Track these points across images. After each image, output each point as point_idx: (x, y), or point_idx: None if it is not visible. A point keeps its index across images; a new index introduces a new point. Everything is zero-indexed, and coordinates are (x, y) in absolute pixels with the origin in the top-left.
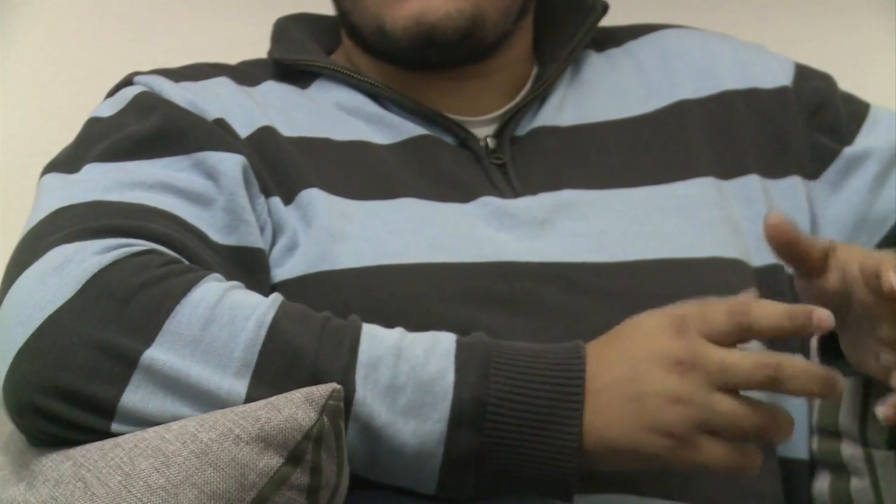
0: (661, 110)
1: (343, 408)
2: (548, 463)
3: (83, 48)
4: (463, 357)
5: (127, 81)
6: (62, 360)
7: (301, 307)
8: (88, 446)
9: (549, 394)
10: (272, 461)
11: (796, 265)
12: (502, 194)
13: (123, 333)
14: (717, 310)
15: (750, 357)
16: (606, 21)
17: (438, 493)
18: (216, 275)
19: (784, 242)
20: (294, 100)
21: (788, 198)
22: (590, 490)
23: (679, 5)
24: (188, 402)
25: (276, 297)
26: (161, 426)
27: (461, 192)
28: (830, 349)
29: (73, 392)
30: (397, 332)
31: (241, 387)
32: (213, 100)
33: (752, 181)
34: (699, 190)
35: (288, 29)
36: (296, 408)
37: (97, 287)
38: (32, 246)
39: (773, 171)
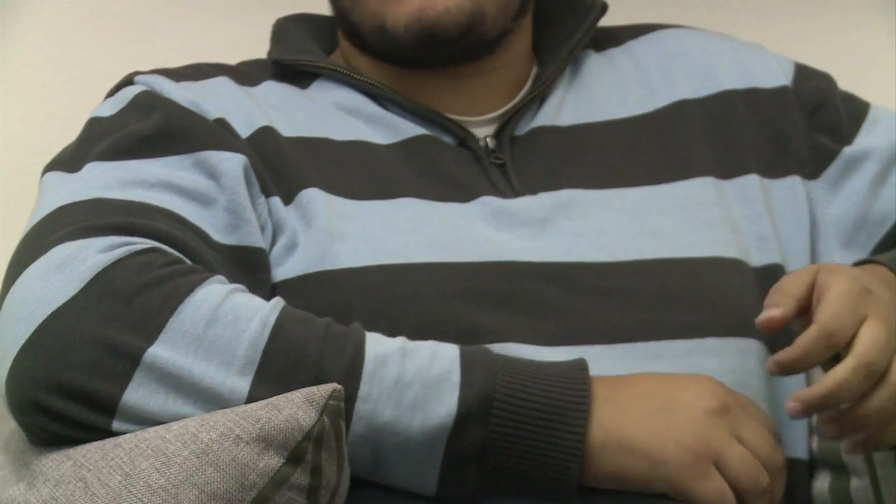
0: (661, 110)
1: (344, 408)
2: (550, 462)
3: (83, 48)
4: (468, 360)
5: (127, 81)
6: (65, 357)
7: (302, 312)
8: (89, 446)
9: (555, 395)
10: (272, 461)
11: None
12: (502, 194)
13: (126, 331)
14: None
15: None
16: (606, 21)
17: (439, 493)
18: (219, 277)
19: (780, 324)
20: (294, 100)
21: (788, 198)
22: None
23: (679, 5)
24: (190, 400)
25: (278, 301)
26: (161, 426)
27: (461, 192)
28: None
29: (76, 389)
30: (400, 339)
31: (243, 385)
32: (213, 100)
33: (752, 181)
34: (699, 190)
35: (287, 29)
36: (296, 408)
37: (101, 285)
38: (35, 243)
39: (772, 170)
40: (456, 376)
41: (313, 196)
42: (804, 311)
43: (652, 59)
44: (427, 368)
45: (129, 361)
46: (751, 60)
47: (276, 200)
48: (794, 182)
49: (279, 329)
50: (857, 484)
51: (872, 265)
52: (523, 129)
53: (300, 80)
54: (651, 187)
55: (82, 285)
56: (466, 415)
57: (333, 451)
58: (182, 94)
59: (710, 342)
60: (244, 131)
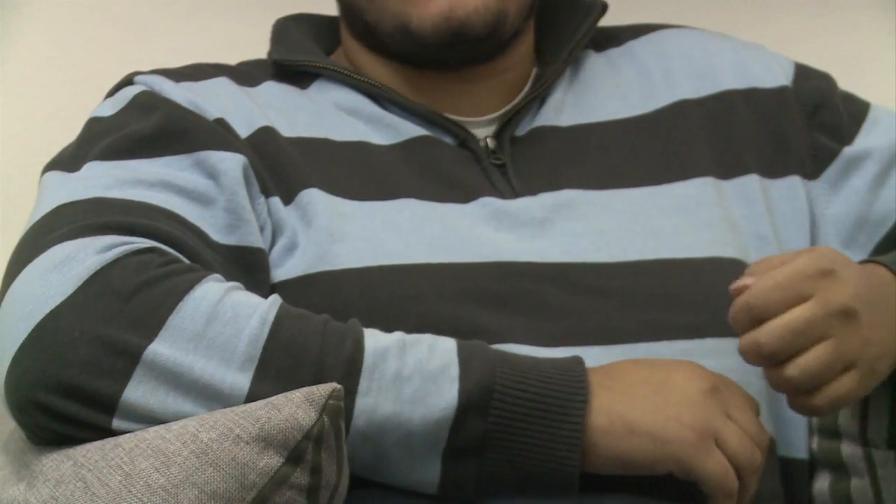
0: (661, 110)
1: (344, 406)
2: (551, 453)
3: (83, 48)
4: (465, 354)
5: (127, 81)
6: (64, 356)
7: (300, 309)
8: (89, 446)
9: (554, 385)
10: (272, 461)
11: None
12: (502, 195)
13: (126, 329)
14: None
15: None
16: (606, 21)
17: (440, 490)
18: (216, 275)
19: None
20: (294, 100)
21: (788, 198)
22: (589, 491)
23: (679, 5)
24: (191, 397)
25: (276, 298)
26: (161, 426)
27: (461, 193)
28: None
29: (75, 387)
30: (398, 334)
31: (244, 381)
32: (213, 100)
33: (752, 181)
34: (698, 190)
35: (287, 29)
36: (296, 407)
37: (99, 284)
38: (34, 243)
39: (772, 170)
40: (455, 369)
41: (313, 196)
42: None
43: (652, 59)
44: (426, 362)
45: (128, 359)
46: (751, 60)
47: (276, 201)
48: (794, 182)
49: (279, 325)
50: (857, 484)
51: (872, 265)
52: (524, 129)
53: (300, 80)
54: (651, 188)
55: (80, 284)
56: (467, 406)
57: (333, 450)
58: (182, 94)
59: (710, 342)
60: (244, 131)
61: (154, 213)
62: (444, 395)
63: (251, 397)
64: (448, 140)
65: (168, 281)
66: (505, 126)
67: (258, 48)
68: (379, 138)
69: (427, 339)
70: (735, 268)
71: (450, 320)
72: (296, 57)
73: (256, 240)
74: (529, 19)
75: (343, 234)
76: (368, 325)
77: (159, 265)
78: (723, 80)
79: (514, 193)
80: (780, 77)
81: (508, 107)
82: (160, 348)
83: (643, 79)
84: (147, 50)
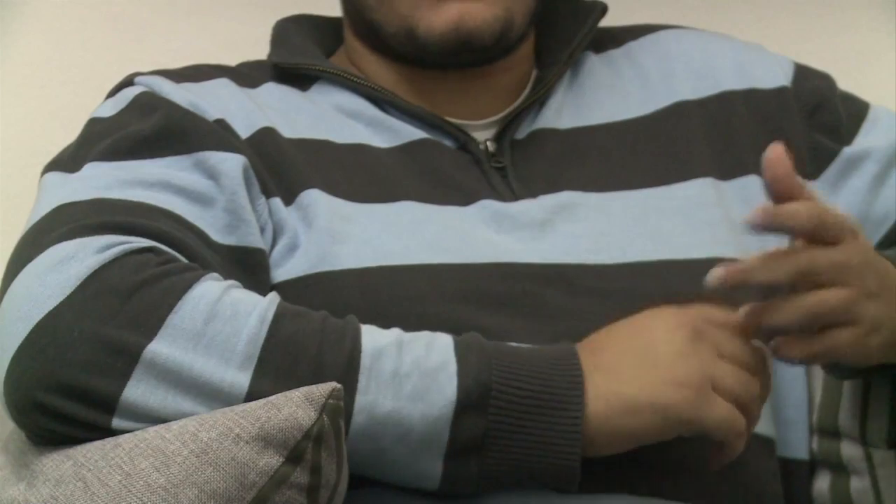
0: (660, 111)
1: (343, 405)
2: (552, 447)
3: (83, 48)
4: (462, 350)
5: (128, 82)
6: (63, 356)
7: (299, 307)
8: (89, 446)
9: (550, 379)
10: (272, 460)
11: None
12: (502, 197)
13: (125, 328)
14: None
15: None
16: (606, 21)
17: (441, 488)
18: (214, 274)
19: (779, 174)
20: (294, 102)
21: None
22: (590, 490)
23: (679, 5)
24: (190, 396)
25: (275, 296)
26: (161, 426)
27: (461, 196)
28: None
29: (75, 387)
30: (395, 331)
31: (244, 380)
32: (213, 101)
33: (752, 181)
34: (698, 191)
35: (287, 31)
36: (296, 407)
37: (97, 283)
38: (33, 243)
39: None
40: (452, 366)
41: (314, 197)
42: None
43: (651, 60)
44: (424, 359)
45: (128, 358)
46: (750, 61)
47: (277, 201)
48: None
49: (277, 324)
50: (857, 484)
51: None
52: (523, 132)
53: (300, 82)
54: (651, 189)
55: (79, 283)
56: (466, 404)
57: (333, 449)
58: (182, 94)
59: None
60: (244, 132)
61: (154, 213)
62: (444, 392)
63: (251, 396)
64: (448, 143)
65: (167, 280)
66: (505, 129)
67: (258, 48)
68: (379, 141)
69: (424, 336)
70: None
71: (450, 321)
72: (296, 60)
73: (256, 240)
74: (533, 23)
75: (344, 235)
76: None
77: (158, 264)
78: (722, 81)
79: (514, 196)
80: (779, 77)
81: (508, 110)
82: (159, 347)
83: (642, 80)
84: (147, 50)
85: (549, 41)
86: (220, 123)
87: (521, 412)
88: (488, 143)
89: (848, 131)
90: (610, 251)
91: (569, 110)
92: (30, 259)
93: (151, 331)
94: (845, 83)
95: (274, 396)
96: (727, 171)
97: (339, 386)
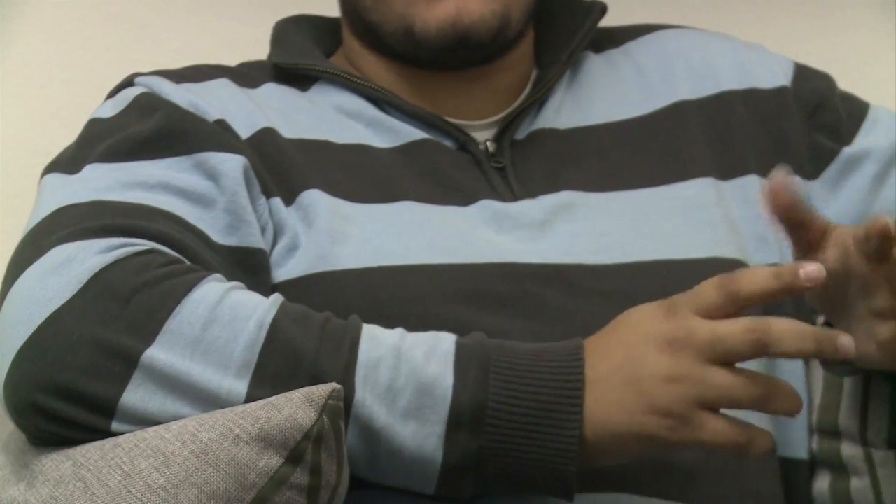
0: (660, 111)
1: (343, 408)
2: (548, 465)
3: (83, 48)
4: (462, 360)
5: (128, 82)
6: (63, 359)
7: (302, 308)
8: (88, 446)
9: (548, 397)
10: (272, 461)
11: (794, 233)
12: (501, 198)
13: (124, 333)
14: (706, 286)
15: (738, 323)
16: (606, 21)
17: (437, 495)
18: (217, 275)
19: (785, 205)
20: (294, 102)
21: None
22: (590, 489)
23: (679, 5)
24: (188, 401)
25: (277, 298)
26: (161, 426)
27: (461, 196)
28: None
29: (74, 391)
30: (397, 333)
31: (241, 387)
32: (213, 101)
33: (751, 181)
34: (698, 190)
35: (287, 32)
36: (296, 408)
37: (98, 286)
38: (33, 245)
39: (772, 170)
40: (449, 379)
41: (314, 197)
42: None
43: (651, 59)
44: (421, 370)
45: (127, 363)
46: (750, 61)
47: (277, 201)
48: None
49: (275, 329)
50: (857, 484)
51: None
52: (523, 132)
53: (300, 82)
54: (651, 189)
55: (80, 286)
56: (458, 424)
57: (333, 450)
58: (182, 95)
59: None
60: (245, 132)
61: (154, 214)
62: (437, 411)
63: (248, 402)
64: (448, 143)
65: (167, 282)
66: (505, 129)
67: (258, 48)
68: (379, 141)
69: (426, 340)
70: (735, 268)
71: (450, 321)
72: (295, 60)
73: (257, 240)
74: (530, 21)
75: (344, 235)
76: None
77: (159, 266)
78: (722, 81)
79: (514, 196)
80: (779, 77)
81: (508, 110)
82: (157, 353)
83: (642, 80)
84: (147, 50)
85: (548, 41)
86: (221, 124)
87: (517, 429)
88: (488, 144)
89: (848, 131)
90: (610, 251)
91: (568, 110)
92: (30, 261)
93: (150, 336)
94: (845, 83)
95: (274, 397)
96: (727, 170)
97: (338, 386)
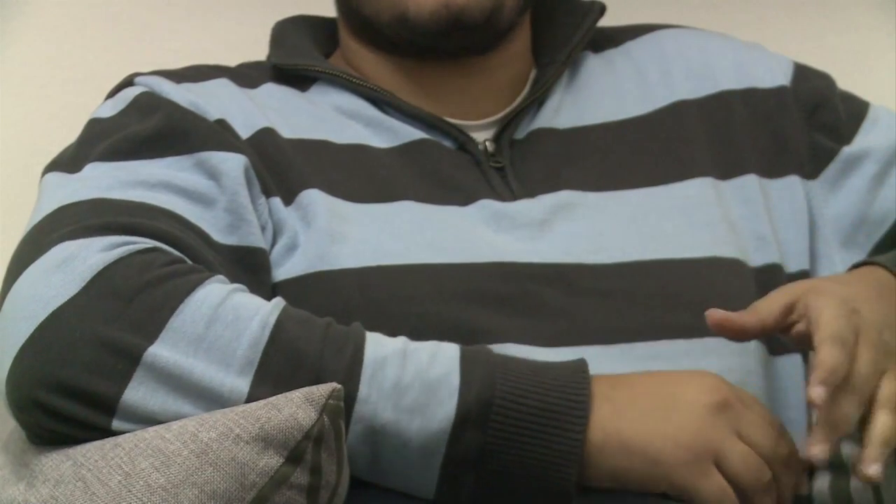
0: (659, 111)
1: (344, 407)
2: (549, 468)
3: (83, 48)
4: (467, 361)
5: (128, 82)
6: (65, 356)
7: (304, 312)
8: (88, 446)
9: (554, 400)
10: (272, 461)
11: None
12: (501, 197)
13: (127, 330)
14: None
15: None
16: (605, 21)
17: (437, 498)
18: (220, 276)
19: (734, 332)
20: (293, 102)
21: (787, 197)
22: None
23: (679, 5)
24: (190, 399)
25: (279, 301)
26: (161, 426)
27: (460, 196)
28: None
29: (76, 388)
30: (401, 339)
31: (243, 385)
32: (213, 101)
33: (751, 181)
34: (697, 190)
35: (286, 32)
36: (296, 407)
37: (101, 284)
38: (35, 243)
39: (771, 170)
40: (455, 378)
41: (314, 197)
42: (781, 329)
43: (650, 59)
44: (426, 370)
45: (129, 361)
46: (750, 60)
47: (277, 201)
48: (793, 182)
49: (279, 329)
50: (858, 484)
51: (870, 267)
52: (522, 132)
53: (300, 82)
54: (650, 188)
55: (83, 284)
56: (465, 420)
57: (333, 450)
58: (182, 94)
59: (710, 342)
60: (245, 132)
61: (155, 213)
62: (443, 407)
63: (250, 401)
64: (447, 143)
65: (171, 282)
66: (504, 129)
67: (258, 48)
68: (378, 141)
69: (430, 346)
70: (734, 268)
71: (449, 320)
72: (294, 61)
73: (258, 240)
74: (525, 13)
75: (343, 235)
76: (368, 325)
77: (162, 265)
78: (721, 80)
79: (513, 196)
80: (779, 77)
81: (507, 110)
82: (160, 350)
83: (641, 79)
84: (147, 50)
85: (547, 41)
86: (221, 123)
87: (522, 429)
88: (487, 143)
89: (848, 131)
90: (609, 251)
91: (567, 110)
92: (32, 259)
93: (153, 333)
94: (845, 83)
95: (274, 397)
96: (726, 170)
97: (339, 386)
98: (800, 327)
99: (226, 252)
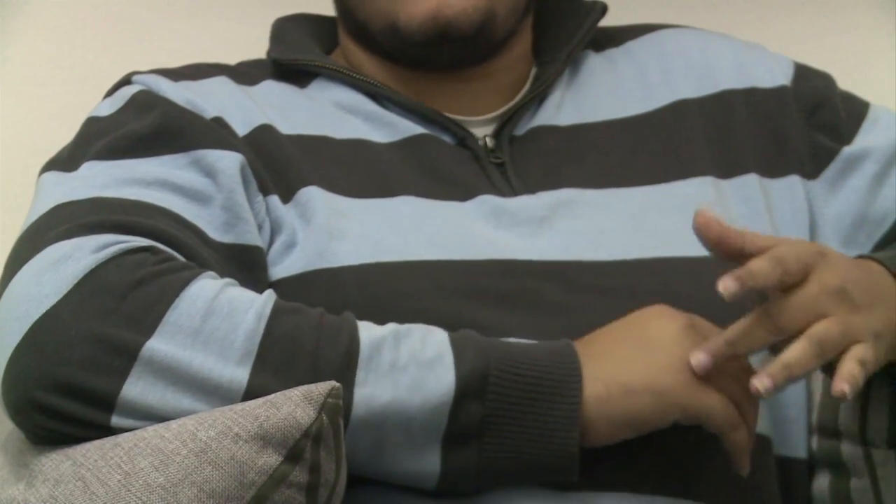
0: (660, 110)
1: (342, 401)
2: (551, 434)
3: (83, 48)
4: (458, 342)
5: (125, 81)
6: (61, 355)
7: (295, 303)
8: (88, 445)
9: (547, 368)
10: (271, 459)
11: (733, 259)
12: (501, 193)
13: (122, 326)
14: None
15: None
16: (606, 21)
17: (440, 482)
18: (211, 272)
19: (713, 239)
20: (293, 99)
21: (787, 197)
22: (592, 489)
23: (679, 5)
24: (189, 392)
25: (271, 293)
26: (160, 425)
27: (460, 191)
28: None
29: (73, 386)
30: (391, 325)
31: (242, 375)
32: (211, 99)
33: (751, 180)
34: (698, 189)
35: (286, 29)
36: (295, 406)
37: (94, 283)
38: (30, 242)
39: (772, 170)
40: (449, 357)
41: (312, 194)
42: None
43: (651, 59)
44: (420, 351)
45: (126, 356)
46: (750, 60)
47: (275, 199)
48: (794, 182)
49: (275, 319)
50: (857, 484)
51: (868, 261)
52: (522, 128)
53: (299, 79)
54: (650, 187)
55: (76, 282)
56: (465, 391)
57: (332, 448)
58: (179, 93)
59: None
60: (242, 130)
61: (151, 211)
62: (442, 381)
63: (249, 390)
64: (447, 139)
65: (163, 278)
66: (504, 125)
67: (258, 48)
68: (378, 136)
69: (419, 329)
70: (734, 266)
71: (448, 317)
72: (294, 56)
73: (254, 238)
74: (524, 20)
75: (342, 231)
76: (367, 321)
77: (154, 263)
78: (722, 80)
79: (513, 192)
80: (779, 77)
81: (508, 106)
82: (158, 344)
83: (642, 78)
84: (147, 50)
85: (548, 39)
86: (218, 121)
87: (520, 399)
88: (487, 139)
89: (848, 131)
90: (609, 248)
91: (568, 107)
92: (27, 259)
93: (149, 328)
94: (845, 83)
95: (273, 395)
96: (727, 169)
97: (338, 385)
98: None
99: (222, 250)
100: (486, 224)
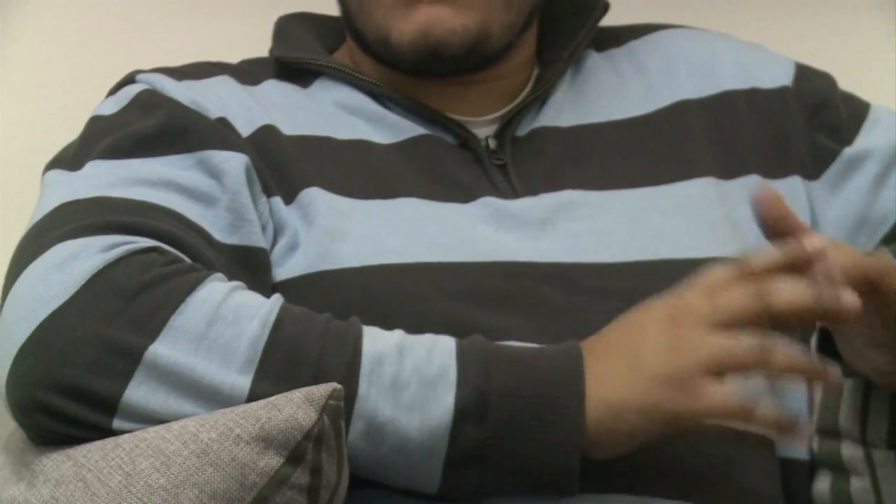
0: (662, 110)
1: (343, 407)
2: (552, 455)
3: (83, 48)
4: (464, 354)
5: (129, 79)
6: (65, 356)
7: (303, 309)
8: (89, 446)
9: (550, 386)
10: (272, 461)
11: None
12: (503, 195)
13: (127, 329)
14: (713, 269)
15: (737, 290)
16: (607, 21)
17: (440, 493)
18: (219, 275)
19: (774, 218)
20: (295, 98)
21: (789, 198)
22: (593, 490)
23: (679, 5)
24: (191, 398)
25: (278, 299)
26: (161, 426)
27: (461, 193)
28: (828, 351)
29: (76, 387)
30: (398, 333)
31: (244, 383)
32: (214, 98)
33: (753, 181)
34: (700, 190)
35: (289, 27)
36: (296, 407)
37: (101, 284)
38: (35, 242)
39: (773, 171)
40: (453, 373)
41: (314, 195)
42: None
43: (653, 59)
44: (425, 365)
45: (129, 360)
46: (752, 60)
47: (278, 200)
48: (795, 182)
49: (279, 327)
50: (857, 484)
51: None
52: (524, 129)
53: (302, 78)
54: (652, 188)
55: (83, 283)
56: (464, 414)
57: (333, 450)
58: (184, 92)
59: None
60: (245, 130)
61: (156, 212)
62: (441, 403)
63: (251, 398)
64: (449, 139)
65: (171, 281)
66: (506, 126)
67: (259, 47)
68: (380, 137)
69: (427, 340)
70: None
71: (450, 319)
72: (297, 54)
73: (259, 239)
74: (525, 32)
75: (344, 233)
76: (369, 324)
77: (162, 264)
78: (724, 81)
79: (515, 194)
80: (780, 77)
81: (510, 107)
82: (161, 349)
83: (644, 79)
84: (148, 49)
85: (550, 39)
86: (222, 122)
87: (521, 419)
88: (489, 140)
89: (849, 131)
90: (611, 250)
91: (570, 108)
92: (33, 258)
93: (154, 332)
94: (845, 83)
95: (274, 397)
96: (728, 170)
97: (339, 386)
98: None
99: (226, 251)
100: (488, 226)
